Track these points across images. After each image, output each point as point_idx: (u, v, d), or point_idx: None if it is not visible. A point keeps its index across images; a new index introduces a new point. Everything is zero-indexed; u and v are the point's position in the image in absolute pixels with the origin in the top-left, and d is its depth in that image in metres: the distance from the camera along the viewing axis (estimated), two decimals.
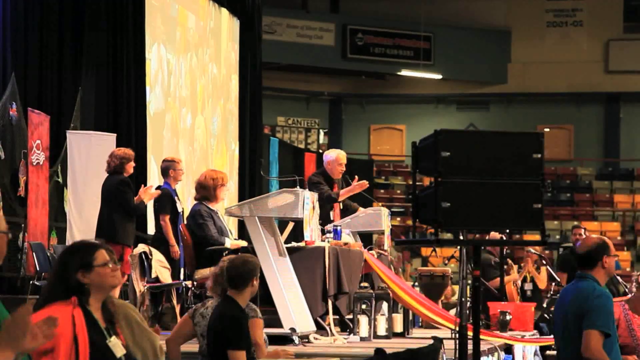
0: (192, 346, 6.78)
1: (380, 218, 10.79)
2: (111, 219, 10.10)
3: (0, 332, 3.30)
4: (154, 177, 13.88)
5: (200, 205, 9.15)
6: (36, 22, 12.59)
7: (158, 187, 10.80)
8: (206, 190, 9.19)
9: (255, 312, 6.33)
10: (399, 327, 9.96)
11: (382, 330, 9.39)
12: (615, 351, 5.76)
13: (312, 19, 25.54)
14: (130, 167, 10.25)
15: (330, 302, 9.03)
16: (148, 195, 10.23)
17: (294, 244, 9.13)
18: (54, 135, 12.23)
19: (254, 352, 6.04)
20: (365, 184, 10.88)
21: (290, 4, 25.68)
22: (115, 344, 4.49)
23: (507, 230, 8.63)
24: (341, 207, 11.13)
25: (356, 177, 10.85)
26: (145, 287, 9.90)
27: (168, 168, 10.71)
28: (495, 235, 10.88)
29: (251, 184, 18.48)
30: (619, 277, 13.05)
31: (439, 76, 26.63)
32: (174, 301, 10.13)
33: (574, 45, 26.65)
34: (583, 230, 13.61)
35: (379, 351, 6.77)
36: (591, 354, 5.59)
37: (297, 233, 9.67)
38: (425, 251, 21.75)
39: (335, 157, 11.13)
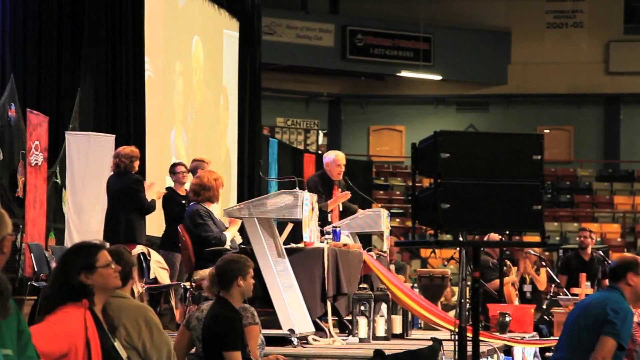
0: None
1: (379, 219, 10.78)
2: (128, 220, 10.16)
3: None
4: (153, 178, 13.85)
5: (197, 206, 9.12)
6: (35, 23, 12.56)
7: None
8: (210, 192, 9.18)
9: (253, 317, 6.29)
10: (398, 329, 9.95)
11: (381, 331, 9.37)
12: None
13: (311, 19, 25.53)
14: (137, 165, 10.36)
15: (329, 303, 9.02)
16: (155, 193, 10.33)
17: (292, 245, 9.11)
18: (53, 136, 12.20)
19: (249, 352, 6.02)
20: (348, 194, 10.96)
21: (290, 4, 25.67)
22: (119, 346, 4.49)
23: (507, 232, 8.61)
24: (340, 209, 11.12)
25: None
26: (144, 288, 9.89)
27: (196, 168, 10.84)
28: (494, 236, 10.86)
29: (250, 185, 18.46)
30: None
31: (439, 77, 26.63)
32: (173, 302, 10.13)
33: (574, 47, 26.65)
34: (589, 232, 13.58)
35: (378, 352, 6.75)
36: (602, 358, 5.63)
37: (296, 234, 9.65)
38: (425, 252, 21.73)
39: (334, 159, 11.11)
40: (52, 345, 4.21)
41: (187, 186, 11.06)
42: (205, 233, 8.97)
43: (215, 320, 5.89)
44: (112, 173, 10.51)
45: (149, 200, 10.32)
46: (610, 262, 13.78)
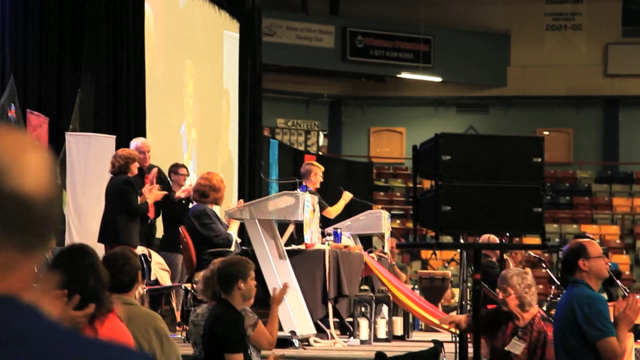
0: (186, 349, 6.78)
1: (380, 221, 10.80)
2: (114, 220, 10.10)
3: None
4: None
5: (204, 206, 9.11)
6: (35, 24, 12.58)
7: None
8: (218, 193, 9.19)
9: (254, 316, 6.30)
10: (399, 330, 9.97)
11: (382, 333, 9.39)
12: None
13: (312, 21, 25.55)
14: (134, 168, 10.28)
15: (330, 305, 9.03)
16: (153, 195, 10.19)
17: (294, 246, 9.13)
18: (53, 137, 12.20)
19: (250, 355, 6.04)
20: None
21: (290, 6, 25.69)
22: None
23: (508, 234, 8.63)
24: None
25: None
26: (145, 290, 9.90)
27: (309, 172, 10.74)
28: (494, 238, 10.86)
29: (251, 187, 18.47)
30: (618, 281, 13.03)
31: (439, 79, 26.65)
32: (173, 304, 10.14)
33: (573, 49, 26.68)
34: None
35: (380, 354, 6.77)
36: (618, 357, 5.55)
37: (297, 235, 9.66)
38: (425, 254, 21.73)
39: None
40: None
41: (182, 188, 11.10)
42: (214, 233, 8.97)
43: (217, 322, 5.89)
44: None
45: (141, 202, 10.16)
46: (609, 263, 13.78)
